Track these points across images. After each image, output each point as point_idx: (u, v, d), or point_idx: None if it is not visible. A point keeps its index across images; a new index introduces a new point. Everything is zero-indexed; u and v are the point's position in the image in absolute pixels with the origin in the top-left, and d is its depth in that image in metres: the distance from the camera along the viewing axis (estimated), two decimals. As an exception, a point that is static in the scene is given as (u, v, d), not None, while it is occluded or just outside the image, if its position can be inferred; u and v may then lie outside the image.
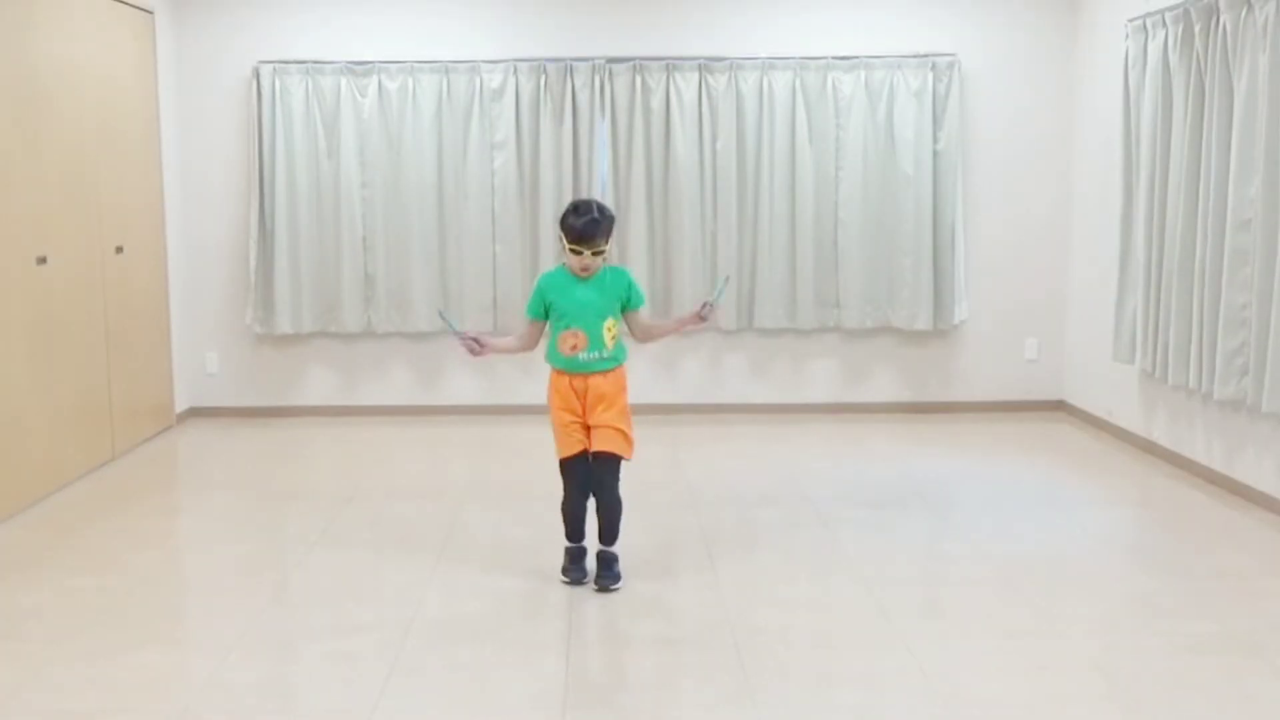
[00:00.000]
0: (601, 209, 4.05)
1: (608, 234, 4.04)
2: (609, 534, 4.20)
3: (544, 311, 4.14)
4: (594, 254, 4.00)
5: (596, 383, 4.07)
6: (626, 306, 4.15)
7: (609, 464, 4.11)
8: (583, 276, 4.07)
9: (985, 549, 4.60)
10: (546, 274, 4.25)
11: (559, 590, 4.14)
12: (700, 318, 4.16)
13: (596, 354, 4.06)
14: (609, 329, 4.07)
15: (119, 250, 6.19)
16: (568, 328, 4.06)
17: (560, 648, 3.65)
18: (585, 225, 3.98)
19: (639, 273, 6.95)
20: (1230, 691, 3.31)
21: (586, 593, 4.11)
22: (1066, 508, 5.21)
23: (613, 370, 4.11)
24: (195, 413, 7.25)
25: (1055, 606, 3.97)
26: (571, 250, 4.02)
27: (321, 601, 4.08)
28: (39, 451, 5.36)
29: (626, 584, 4.17)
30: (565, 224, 4.03)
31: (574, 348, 4.05)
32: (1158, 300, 5.82)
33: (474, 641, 3.70)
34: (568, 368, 4.09)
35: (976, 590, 4.16)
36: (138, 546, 4.71)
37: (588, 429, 4.09)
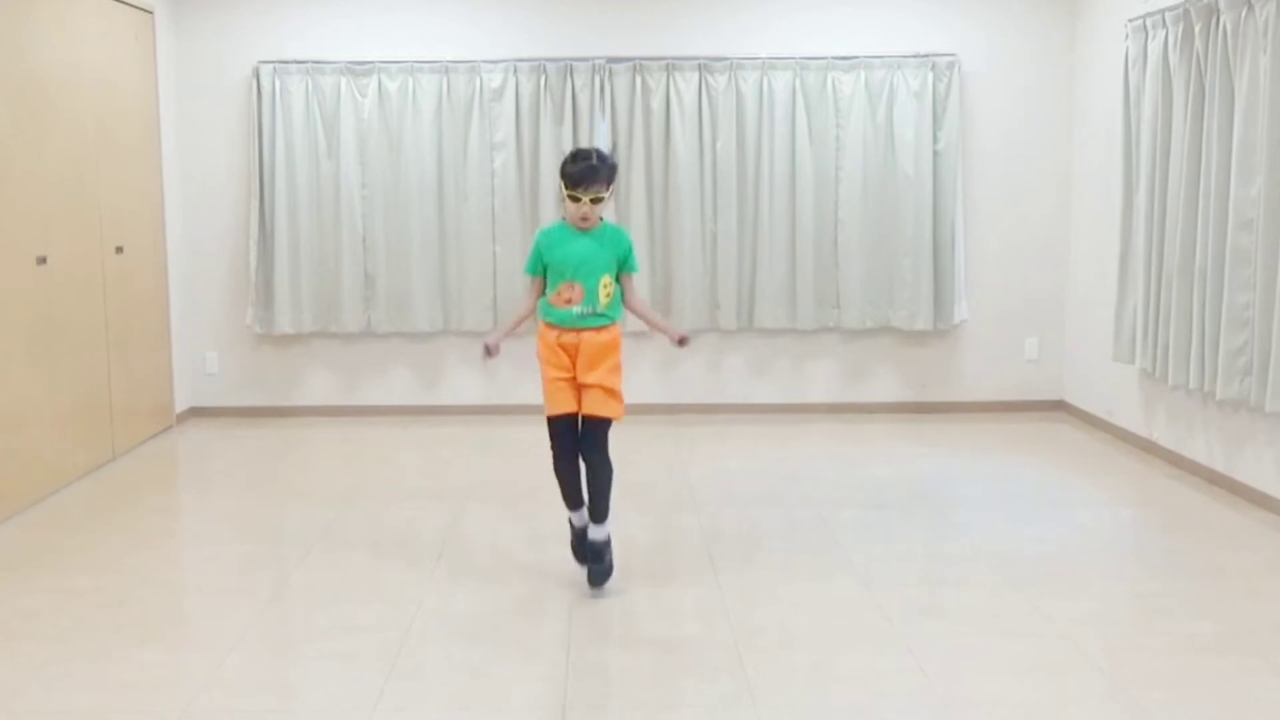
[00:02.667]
0: (601, 156, 3.98)
1: (608, 182, 3.97)
2: (599, 507, 4.09)
3: (543, 268, 4.06)
4: (592, 201, 3.94)
5: (589, 338, 4.00)
6: (622, 268, 4.07)
7: (599, 426, 4.05)
8: (582, 227, 4.00)
9: (985, 549, 4.60)
10: (544, 229, 4.15)
11: (558, 590, 4.14)
12: (680, 341, 4.13)
13: (590, 308, 3.99)
14: (605, 285, 4.01)
15: (119, 250, 6.19)
16: (564, 279, 4.00)
17: (560, 648, 3.64)
18: (582, 170, 3.93)
19: (639, 273, 6.95)
20: (1230, 691, 3.31)
21: (586, 592, 4.09)
22: (1066, 508, 5.21)
23: (606, 328, 4.04)
24: (195, 413, 7.25)
25: (1055, 606, 3.96)
26: (570, 197, 3.96)
27: (321, 601, 4.08)
28: (39, 451, 5.36)
29: (626, 585, 4.16)
30: (563, 170, 3.99)
31: (569, 301, 3.99)
32: (1158, 300, 5.82)
33: (474, 642, 3.70)
34: (560, 322, 4.02)
35: (976, 590, 4.16)
36: (138, 546, 4.71)
37: (578, 386, 4.03)
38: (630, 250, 4.10)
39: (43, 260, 5.40)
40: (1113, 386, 6.56)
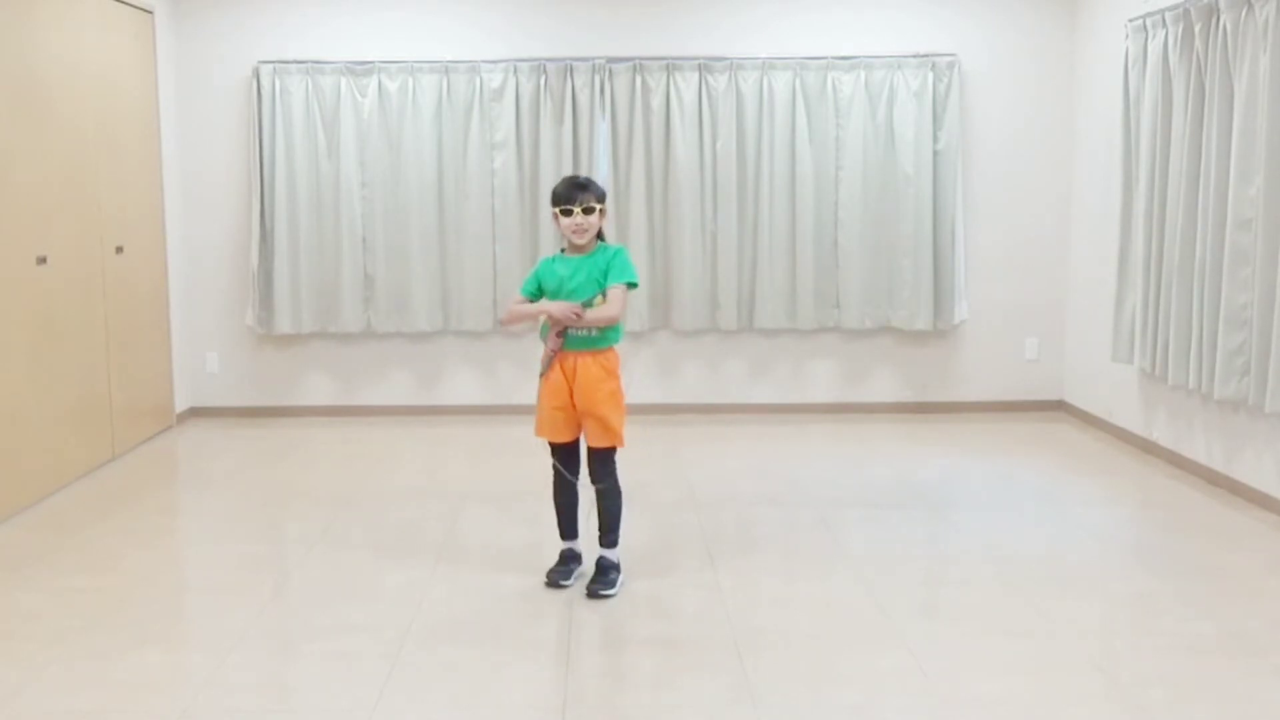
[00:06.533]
0: (588, 179, 4.11)
1: (598, 197, 4.03)
2: (608, 532, 4.17)
3: (536, 291, 4.12)
4: (584, 211, 3.98)
5: (585, 364, 4.04)
6: (606, 278, 4.04)
7: (602, 455, 4.12)
8: (577, 243, 4.03)
9: (985, 549, 4.60)
10: (546, 258, 4.22)
11: (558, 590, 4.14)
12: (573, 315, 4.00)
13: (584, 331, 4.03)
14: (597, 306, 4.03)
15: (119, 250, 6.19)
16: None
17: (560, 648, 3.65)
18: (569, 185, 4.04)
19: (639, 274, 6.95)
20: (1230, 691, 3.31)
21: (584, 594, 4.10)
22: (1066, 507, 5.21)
23: (602, 352, 4.06)
24: (195, 413, 7.25)
25: (1055, 606, 3.96)
26: (562, 212, 4.01)
27: (321, 601, 4.08)
28: (39, 451, 5.36)
29: (626, 585, 4.17)
30: (553, 193, 4.07)
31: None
32: (1157, 300, 5.82)
33: (474, 642, 3.70)
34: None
35: (976, 590, 4.16)
36: (138, 546, 4.71)
37: (577, 415, 4.08)
38: (613, 260, 4.04)
39: (43, 260, 5.40)
40: (1112, 386, 6.56)
